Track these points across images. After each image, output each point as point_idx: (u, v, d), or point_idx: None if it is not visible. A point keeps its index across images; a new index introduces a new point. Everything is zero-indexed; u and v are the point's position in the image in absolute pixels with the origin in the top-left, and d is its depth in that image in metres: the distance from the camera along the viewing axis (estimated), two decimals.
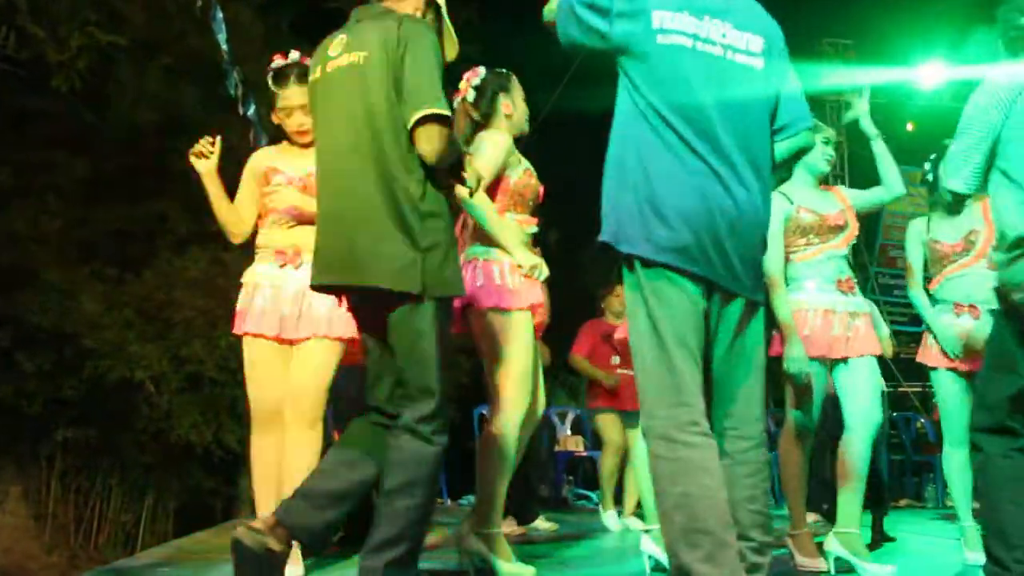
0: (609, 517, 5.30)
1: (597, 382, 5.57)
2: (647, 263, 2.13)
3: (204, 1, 4.34)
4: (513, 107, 3.17)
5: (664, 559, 3.05)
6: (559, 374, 8.23)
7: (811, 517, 5.34)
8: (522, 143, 3.24)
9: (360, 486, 2.42)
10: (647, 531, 3.16)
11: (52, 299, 7.32)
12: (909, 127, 11.10)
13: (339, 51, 2.48)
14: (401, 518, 2.30)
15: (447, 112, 2.38)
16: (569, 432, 7.38)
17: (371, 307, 2.42)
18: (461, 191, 2.77)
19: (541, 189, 3.17)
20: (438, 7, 2.64)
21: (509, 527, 4.46)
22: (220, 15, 4.49)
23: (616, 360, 5.44)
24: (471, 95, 3.16)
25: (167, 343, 7.52)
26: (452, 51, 2.61)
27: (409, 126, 2.36)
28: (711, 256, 2.12)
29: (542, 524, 4.66)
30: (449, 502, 6.49)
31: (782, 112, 2.31)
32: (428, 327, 2.35)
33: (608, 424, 5.51)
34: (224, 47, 4.48)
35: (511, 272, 3.00)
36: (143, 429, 7.74)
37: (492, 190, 3.06)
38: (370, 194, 2.36)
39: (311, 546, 2.49)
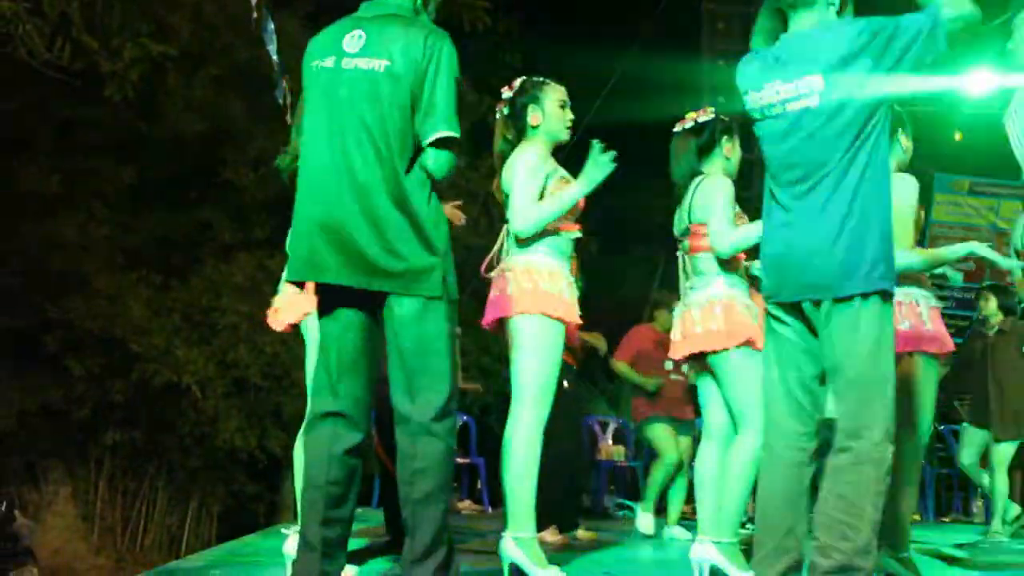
0: (644, 518, 5.21)
1: (642, 390, 5.49)
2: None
3: (258, 12, 4.40)
4: (543, 117, 3.13)
5: (723, 565, 3.02)
6: (599, 382, 8.21)
7: None
8: (563, 152, 3.22)
9: (349, 522, 2.47)
10: (703, 541, 3.12)
11: (100, 305, 7.47)
12: (957, 136, 10.91)
13: (357, 49, 2.42)
14: (435, 523, 2.35)
15: (459, 136, 2.42)
16: (611, 442, 7.35)
17: (370, 306, 2.41)
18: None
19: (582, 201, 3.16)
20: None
21: (552, 535, 4.45)
22: (271, 26, 4.55)
23: (669, 365, 5.28)
24: (506, 110, 3.17)
25: (213, 348, 7.63)
26: None
27: (425, 142, 2.38)
28: None
29: (582, 533, 4.64)
30: (491, 510, 6.49)
31: None
32: (445, 327, 2.39)
33: (661, 435, 5.39)
34: (275, 57, 4.54)
35: (550, 279, 3.02)
36: (188, 433, 7.86)
37: None
38: (383, 198, 2.37)
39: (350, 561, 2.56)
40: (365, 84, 2.39)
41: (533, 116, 3.12)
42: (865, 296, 2.36)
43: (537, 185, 3.01)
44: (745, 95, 2.54)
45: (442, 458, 2.36)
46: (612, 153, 2.93)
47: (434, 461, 2.35)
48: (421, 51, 2.37)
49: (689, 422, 5.47)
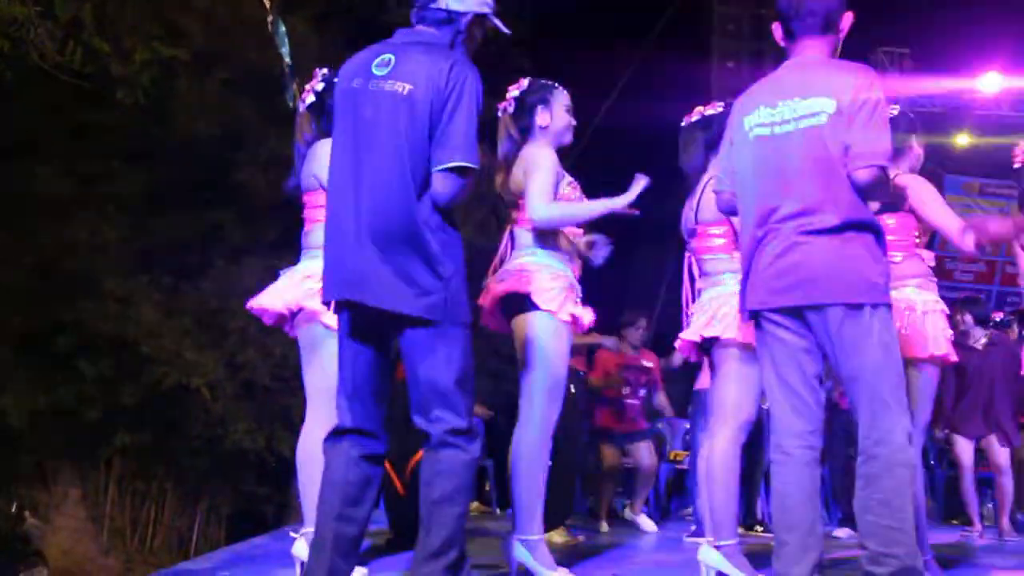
0: (643, 522, 5.61)
1: (606, 403, 5.94)
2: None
3: (272, 14, 4.43)
4: (551, 119, 3.16)
5: (729, 571, 3.02)
6: None
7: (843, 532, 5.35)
8: (568, 157, 3.24)
9: (365, 523, 2.52)
10: (711, 544, 3.12)
11: (111, 307, 7.51)
12: (965, 138, 10.88)
13: (385, 72, 2.48)
14: (450, 524, 2.38)
15: (476, 167, 2.45)
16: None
17: (382, 327, 2.45)
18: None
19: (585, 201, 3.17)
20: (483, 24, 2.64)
21: (560, 536, 4.45)
22: (283, 28, 4.58)
23: (626, 391, 5.90)
24: (511, 107, 3.18)
25: (222, 351, 7.66)
26: None
27: (438, 168, 2.40)
28: None
29: (556, 538, 4.54)
30: (498, 511, 6.48)
31: None
32: (456, 351, 2.41)
33: (608, 453, 5.82)
34: (287, 60, 4.57)
35: (554, 280, 3.03)
36: (198, 435, 7.88)
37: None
38: (394, 221, 2.40)
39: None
40: (388, 106, 2.43)
41: (542, 116, 3.14)
42: (875, 305, 2.42)
43: (553, 184, 3.03)
44: None
45: (462, 464, 2.41)
46: (640, 192, 3.00)
47: (454, 465, 2.40)
48: (445, 80, 2.40)
49: (641, 431, 5.99)
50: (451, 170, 2.40)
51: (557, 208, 2.99)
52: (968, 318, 5.73)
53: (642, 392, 6.02)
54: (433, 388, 2.40)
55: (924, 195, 3.26)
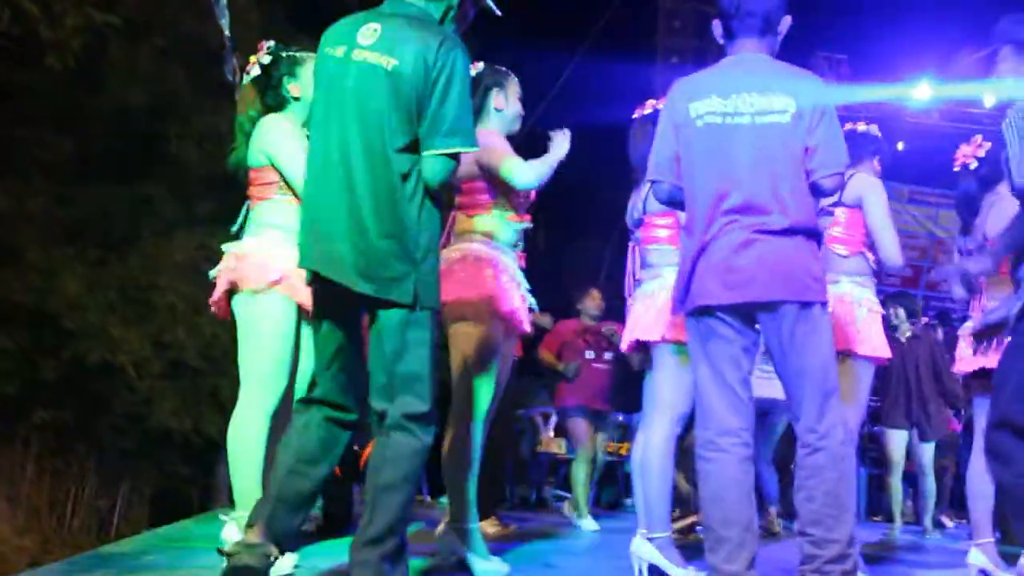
0: (587, 523, 5.35)
1: (564, 378, 5.80)
2: None
3: None
4: (506, 104, 3.17)
5: (661, 563, 3.05)
6: (543, 375, 8.25)
7: None
8: (513, 144, 3.24)
9: (322, 482, 2.47)
10: (643, 536, 3.14)
11: (33, 278, 7.23)
12: (900, 145, 11.17)
13: (370, 42, 2.41)
14: (393, 512, 2.34)
15: (476, 149, 2.46)
16: (552, 434, 7.38)
17: (352, 303, 2.42)
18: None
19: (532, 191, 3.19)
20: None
21: (493, 527, 4.45)
22: (224, 0, 4.45)
23: (591, 355, 5.76)
24: None
25: (149, 328, 7.45)
26: None
27: (429, 152, 2.37)
28: None
29: (488, 527, 4.53)
30: (429, 499, 6.46)
31: None
32: (423, 336, 2.38)
33: (579, 431, 5.71)
34: (227, 32, 4.44)
35: (493, 269, 3.03)
36: (122, 414, 7.66)
37: (488, 189, 3.07)
38: (371, 198, 2.35)
39: (289, 548, 2.52)
40: (370, 78, 2.37)
41: (498, 99, 3.16)
42: (823, 304, 2.52)
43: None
44: None
45: (412, 451, 2.37)
46: (567, 132, 3.06)
47: (404, 452, 2.36)
48: (433, 56, 2.34)
49: (604, 415, 5.80)
50: (446, 154, 2.37)
51: (534, 171, 3.02)
52: (901, 312, 5.94)
53: (607, 356, 5.86)
54: (400, 372, 2.36)
55: (873, 199, 3.34)
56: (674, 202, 2.76)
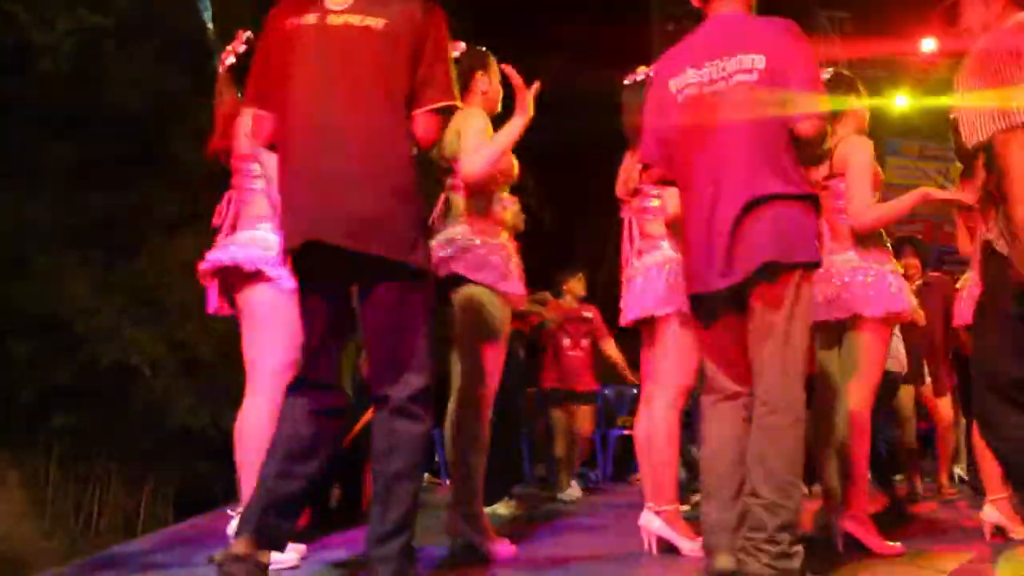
0: (570, 492, 5.69)
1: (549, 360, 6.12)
2: None
3: None
4: (489, 84, 3.17)
5: (670, 536, 3.03)
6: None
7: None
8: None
9: (314, 478, 2.42)
10: (651, 510, 3.12)
11: (41, 286, 7.26)
12: (905, 100, 11.02)
13: (344, 6, 2.36)
14: (406, 502, 2.32)
15: (458, 105, 2.43)
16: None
17: (344, 276, 2.36)
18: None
19: (516, 167, 3.19)
20: None
21: (507, 507, 4.45)
22: None
23: (567, 343, 6.08)
24: None
25: (161, 327, 7.48)
26: None
27: (422, 110, 2.35)
28: None
29: (501, 509, 4.56)
30: (448, 483, 6.46)
31: None
32: (426, 303, 2.36)
33: (557, 416, 6.04)
34: (210, 25, 4.41)
35: (489, 251, 3.01)
36: (141, 414, 7.71)
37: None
38: (376, 160, 2.31)
39: (279, 549, 2.50)
40: (362, 40, 2.33)
41: (482, 80, 3.13)
42: (808, 267, 2.46)
43: (483, 143, 3.00)
44: None
45: (415, 437, 2.34)
46: (535, 86, 2.92)
47: (407, 440, 2.33)
48: (420, 15, 2.33)
49: (589, 393, 6.11)
50: (435, 111, 2.36)
51: (480, 156, 2.95)
52: (911, 258, 5.68)
53: (584, 343, 6.06)
54: (401, 347, 2.32)
55: (854, 159, 3.27)
56: (667, 183, 2.77)
